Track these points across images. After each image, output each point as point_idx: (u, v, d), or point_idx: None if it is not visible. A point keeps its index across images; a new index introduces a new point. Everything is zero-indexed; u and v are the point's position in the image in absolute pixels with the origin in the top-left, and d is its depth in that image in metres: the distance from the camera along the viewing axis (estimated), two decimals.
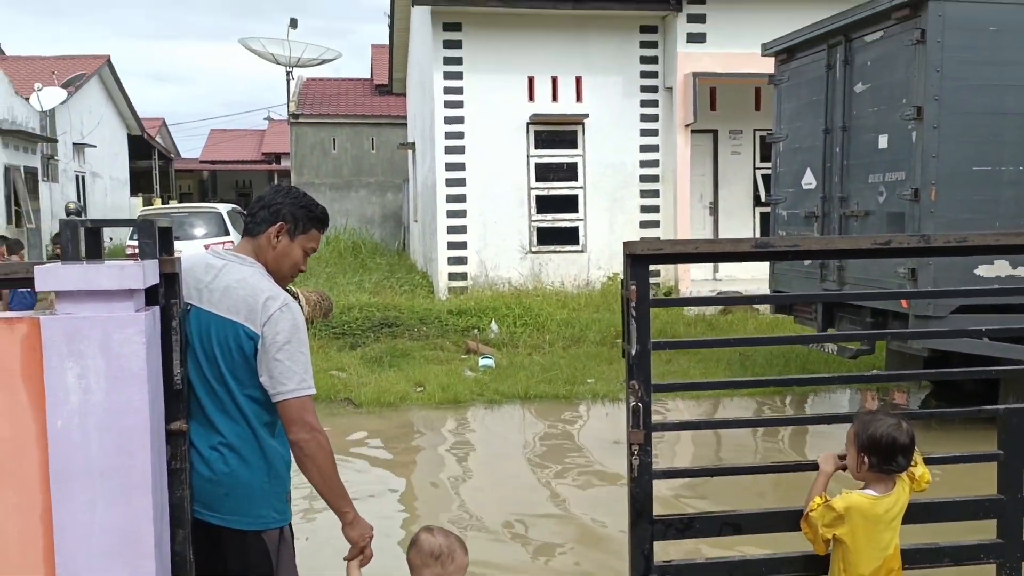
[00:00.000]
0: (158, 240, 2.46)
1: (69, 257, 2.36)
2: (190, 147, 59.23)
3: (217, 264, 2.79)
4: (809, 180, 8.12)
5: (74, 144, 26.58)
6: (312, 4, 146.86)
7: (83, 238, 2.47)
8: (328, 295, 11.25)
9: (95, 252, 2.49)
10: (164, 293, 2.48)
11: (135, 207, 34.65)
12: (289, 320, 2.66)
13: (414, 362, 9.48)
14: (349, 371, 9.09)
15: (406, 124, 23.93)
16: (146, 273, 2.31)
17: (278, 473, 2.70)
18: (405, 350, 9.86)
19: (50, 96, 22.91)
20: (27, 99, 22.26)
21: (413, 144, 19.14)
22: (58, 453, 2.20)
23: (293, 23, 24.58)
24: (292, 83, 25.38)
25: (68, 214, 20.38)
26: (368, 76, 30.60)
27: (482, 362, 9.54)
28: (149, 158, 37.49)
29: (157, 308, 2.42)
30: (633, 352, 2.71)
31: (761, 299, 9.26)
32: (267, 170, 49.32)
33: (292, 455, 2.69)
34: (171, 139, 46.34)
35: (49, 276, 2.25)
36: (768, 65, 9.26)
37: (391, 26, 19.64)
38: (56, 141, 24.07)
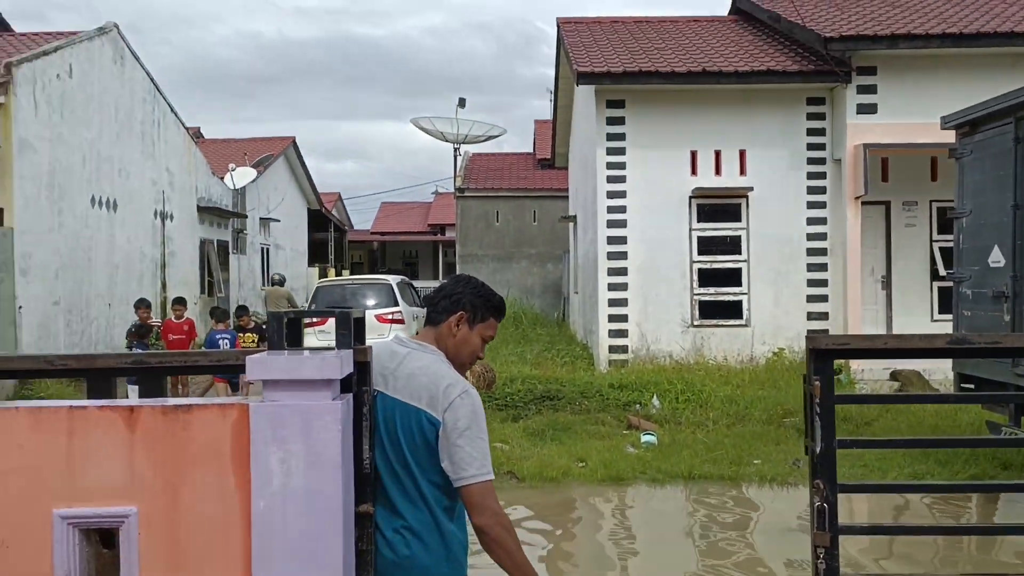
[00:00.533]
0: (353, 331, 2.64)
1: (274, 346, 2.57)
2: (362, 219, 62.60)
3: (401, 352, 2.93)
4: (997, 258, 7.67)
5: (260, 219, 28.65)
6: (478, 80, 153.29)
7: (286, 327, 2.69)
8: (491, 367, 11.50)
9: (295, 341, 2.69)
10: (356, 381, 2.64)
11: (312, 276, 36.75)
12: (469, 406, 2.77)
13: (575, 436, 9.49)
14: (511, 443, 9.21)
15: (567, 197, 24.38)
16: (343, 363, 2.48)
17: (456, 557, 2.78)
18: (566, 424, 9.89)
19: (242, 176, 24.88)
20: (222, 178, 24.27)
21: (574, 217, 19.43)
22: (260, 534, 2.37)
23: (461, 102, 25.73)
24: (459, 159, 26.43)
25: (273, 283, 21.93)
26: (531, 150, 31.53)
27: (644, 438, 9.43)
28: (326, 230, 39.83)
29: (350, 396, 2.59)
30: (818, 450, 2.65)
31: (960, 398, 8.50)
32: (432, 240, 51.24)
33: (478, 540, 2.75)
34: (345, 212, 49.05)
35: (258, 366, 2.45)
36: (945, 135, 8.89)
37: (554, 103, 20.20)
38: (246, 217, 26.03)
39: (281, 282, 20.96)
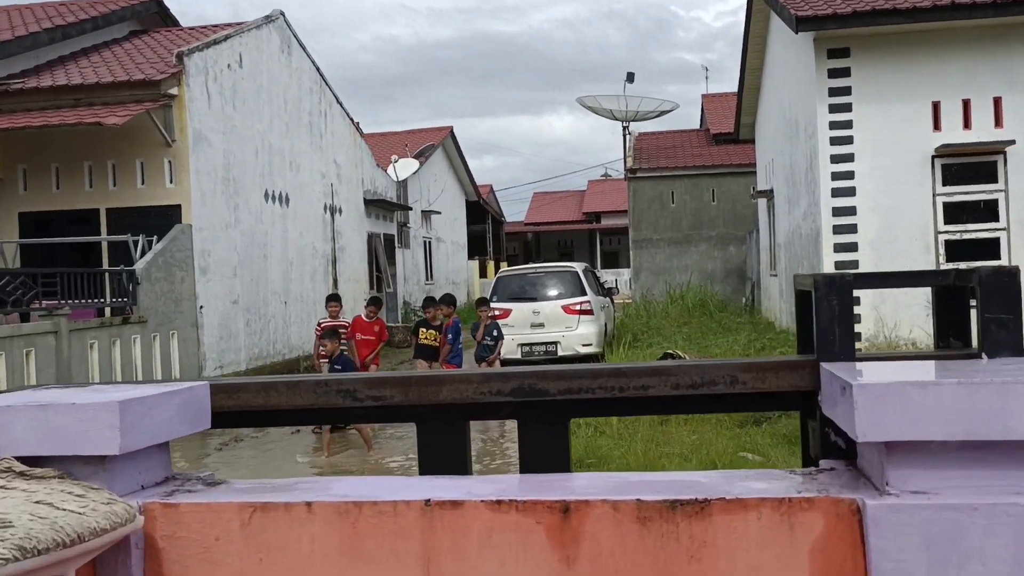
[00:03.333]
0: None
1: None
2: (512, 211, 62.22)
3: None
4: None
5: (422, 211, 28.07)
6: (611, 70, 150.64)
7: None
8: None
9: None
10: None
11: (472, 270, 36.13)
12: None
13: None
14: (766, 454, 7.65)
15: (750, 172, 22.38)
16: None
17: None
18: None
19: (405, 167, 24.26)
20: (385, 170, 23.70)
21: (770, 191, 17.53)
22: None
23: (630, 77, 24.19)
24: (627, 139, 24.88)
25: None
26: (698, 127, 29.59)
27: None
28: (483, 222, 39.16)
29: None
30: None
31: None
32: (588, 229, 49.94)
33: None
34: (498, 204, 48.36)
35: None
36: None
37: (742, 69, 18.33)
38: (411, 209, 25.45)
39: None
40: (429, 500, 1.13)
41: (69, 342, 10.39)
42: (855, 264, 11.87)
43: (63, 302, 10.69)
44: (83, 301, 11.33)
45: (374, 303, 11.26)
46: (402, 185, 24.80)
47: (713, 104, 27.58)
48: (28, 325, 10.12)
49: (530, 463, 1.54)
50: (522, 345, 13.80)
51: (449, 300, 11.23)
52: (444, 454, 1.48)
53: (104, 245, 13.38)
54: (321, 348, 10.37)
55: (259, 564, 1.09)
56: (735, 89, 26.36)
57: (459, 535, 1.12)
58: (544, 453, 1.54)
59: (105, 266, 12.92)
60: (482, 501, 1.14)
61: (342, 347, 10.37)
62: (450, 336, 10.60)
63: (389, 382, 1.47)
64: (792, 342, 13.44)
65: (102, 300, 11.77)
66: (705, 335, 15.25)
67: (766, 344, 13.48)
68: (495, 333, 11.01)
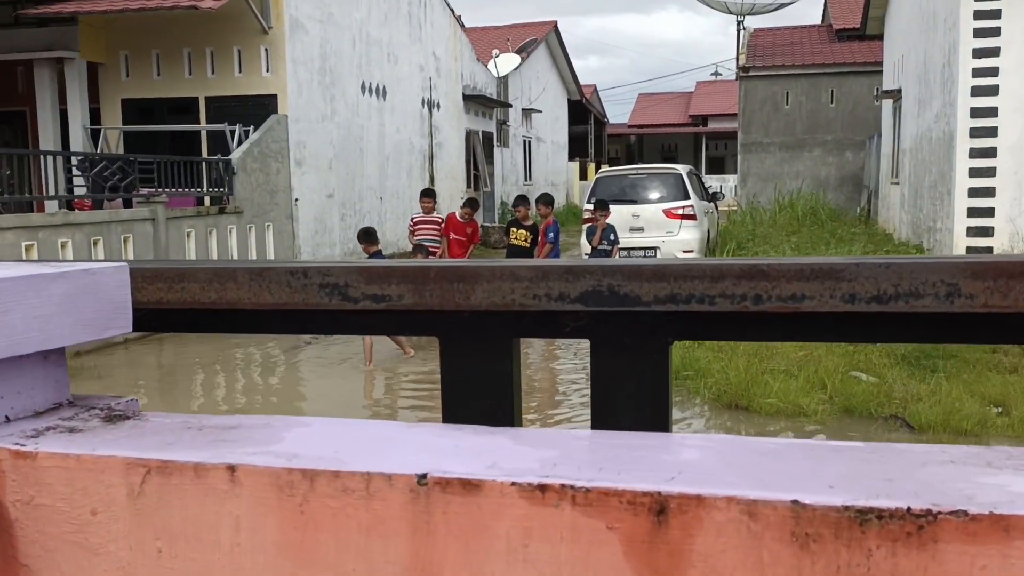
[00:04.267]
0: None
1: None
2: (615, 113, 60.50)
3: None
4: None
5: (523, 110, 27.32)
6: None
7: None
8: None
9: None
10: None
11: (572, 171, 35.35)
12: None
13: (968, 367, 7.14)
14: (881, 374, 7.04)
15: (874, 72, 20.76)
16: None
17: None
18: (949, 350, 7.53)
19: (506, 62, 23.48)
20: (485, 65, 22.99)
21: (898, 91, 16.16)
22: None
23: None
24: (741, 34, 23.38)
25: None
26: (818, 23, 27.61)
27: None
28: (585, 123, 38.09)
29: None
30: None
31: None
32: (693, 132, 48.18)
33: None
34: (601, 105, 46.94)
35: None
36: None
37: None
38: (511, 106, 24.77)
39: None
40: (426, 476, 0.67)
41: (167, 229, 10.41)
42: (992, 171, 10.80)
43: (160, 190, 10.68)
44: (181, 189, 11.32)
45: (470, 204, 10.88)
46: (502, 81, 24.08)
47: None
48: (126, 211, 10.16)
49: (605, 413, 1.02)
50: (619, 249, 13.26)
51: (547, 200, 10.73)
52: (477, 390, 1.02)
53: (203, 134, 13.33)
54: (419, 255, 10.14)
55: (157, 558, 0.69)
56: None
57: (472, 540, 0.64)
58: (629, 396, 1.03)
59: (204, 155, 12.89)
60: (514, 484, 0.65)
61: (430, 247, 10.07)
62: (551, 235, 10.16)
63: (397, 273, 1.00)
64: (915, 254, 12.52)
65: (200, 189, 11.75)
66: (816, 245, 14.36)
67: (884, 255, 12.57)
68: (612, 237, 10.45)
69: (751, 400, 6.68)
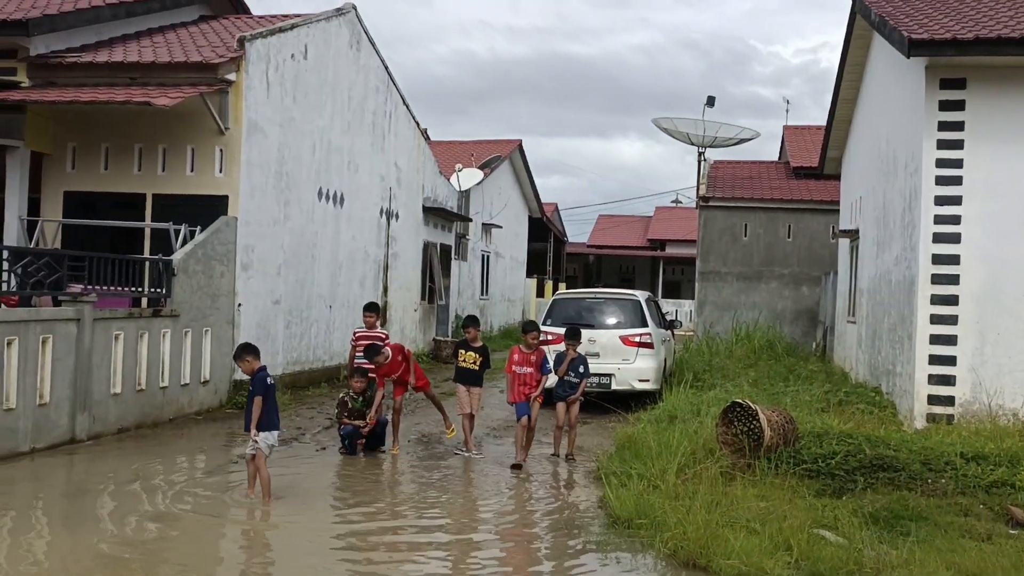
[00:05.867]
0: None
1: None
2: (574, 232, 61.12)
3: None
4: None
5: (483, 224, 27.25)
6: (684, 99, 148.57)
7: None
8: (791, 415, 8.82)
9: None
10: None
11: (529, 288, 35.19)
12: None
13: (939, 532, 6.65)
14: (850, 535, 6.52)
15: (832, 211, 21.07)
16: None
17: None
18: (917, 510, 7.06)
19: (468, 177, 23.48)
20: (448, 179, 22.94)
21: (855, 231, 16.25)
22: None
23: (710, 101, 23.08)
24: (702, 165, 23.73)
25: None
26: (776, 159, 28.27)
27: None
28: (544, 240, 38.23)
29: None
30: None
31: None
32: (651, 256, 48.70)
33: None
34: (561, 223, 47.45)
35: None
36: None
37: (834, 98, 17.12)
38: (471, 220, 24.65)
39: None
40: None
41: (92, 332, 9.72)
42: (954, 319, 10.62)
43: (90, 288, 10.02)
44: (115, 288, 10.67)
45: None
46: (464, 195, 24.03)
47: (795, 136, 26.28)
48: (47, 310, 9.46)
49: None
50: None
51: (532, 327, 10.08)
52: None
53: (147, 231, 12.77)
54: (356, 381, 9.59)
55: None
56: (814, 124, 25.13)
57: None
58: None
59: (147, 254, 12.30)
60: None
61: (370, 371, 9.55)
62: (547, 366, 9.60)
63: None
64: (873, 397, 12.21)
65: (138, 289, 11.11)
66: (774, 381, 14.04)
67: (843, 398, 12.24)
68: (580, 369, 9.87)
69: (710, 559, 6.10)
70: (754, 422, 8.47)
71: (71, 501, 7.58)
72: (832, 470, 7.91)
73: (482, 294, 27.89)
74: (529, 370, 9.44)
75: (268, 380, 7.53)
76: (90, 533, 6.52)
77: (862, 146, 16.30)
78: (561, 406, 9.86)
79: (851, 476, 7.81)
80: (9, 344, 8.61)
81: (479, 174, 24.10)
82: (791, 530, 6.46)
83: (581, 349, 10.23)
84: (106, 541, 6.36)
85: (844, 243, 17.81)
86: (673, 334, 16.26)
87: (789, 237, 22.57)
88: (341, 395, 9.84)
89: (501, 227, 28.94)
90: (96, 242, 12.61)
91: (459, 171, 23.26)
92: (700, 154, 23.34)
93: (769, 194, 22.94)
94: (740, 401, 8.87)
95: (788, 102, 57.80)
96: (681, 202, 43.78)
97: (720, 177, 24.02)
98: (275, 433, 7.55)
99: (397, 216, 18.98)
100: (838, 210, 19.67)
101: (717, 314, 22.69)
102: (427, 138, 21.49)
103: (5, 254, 10.52)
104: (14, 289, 10.30)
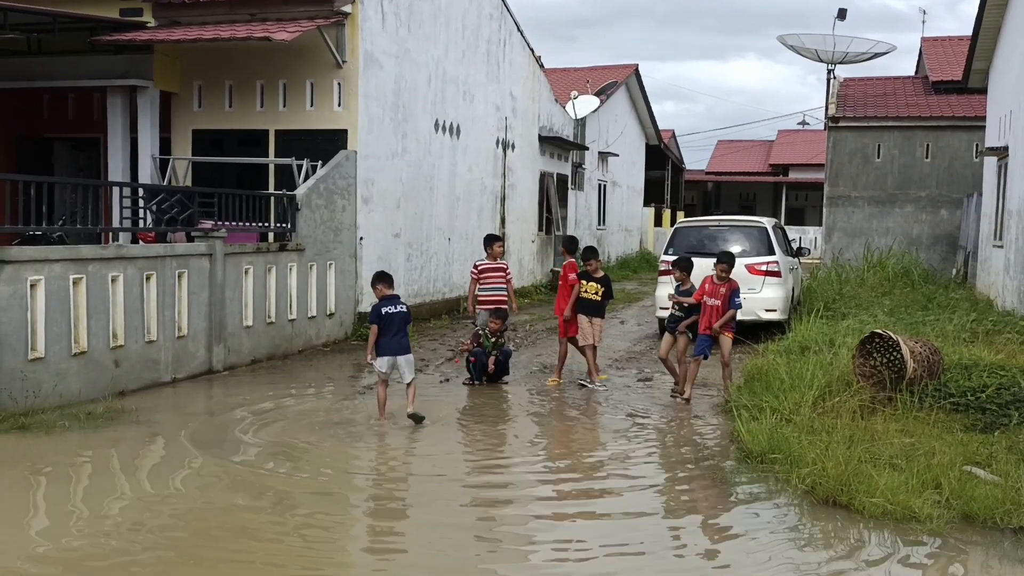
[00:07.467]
0: None
1: None
2: (691, 160, 59.33)
3: None
4: None
5: (599, 153, 26.73)
6: (803, 15, 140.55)
7: None
8: (936, 346, 8.30)
9: None
10: None
11: (647, 217, 34.55)
12: None
13: None
14: (1001, 472, 6.09)
15: (975, 127, 19.62)
16: None
17: None
18: None
19: (584, 104, 22.96)
20: (563, 107, 22.50)
21: (1004, 148, 15.06)
22: None
23: (841, 14, 21.72)
24: (831, 83, 22.43)
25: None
26: (912, 75, 26.45)
27: None
28: (662, 168, 37.30)
29: None
30: None
31: None
32: (773, 181, 47.00)
33: None
34: (679, 150, 46.19)
35: None
36: None
37: (982, 3, 15.75)
38: (587, 149, 24.21)
39: None
40: None
41: (224, 266, 10.01)
42: None
43: (220, 224, 10.30)
44: (244, 224, 10.94)
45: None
46: (580, 123, 23.54)
47: (935, 48, 24.46)
48: (181, 246, 9.77)
49: None
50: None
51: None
52: None
53: (271, 167, 13.02)
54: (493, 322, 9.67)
55: None
56: (955, 35, 23.30)
57: None
58: None
59: (271, 189, 12.55)
60: None
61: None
62: (736, 300, 9.12)
63: None
64: (1022, 326, 11.38)
65: (264, 224, 11.37)
66: (912, 310, 13.29)
67: (991, 328, 11.47)
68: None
69: (852, 497, 5.80)
70: (895, 353, 8.01)
71: (217, 428, 7.86)
72: (983, 404, 7.41)
73: (599, 224, 27.52)
74: (717, 302, 9.07)
75: (383, 310, 7.65)
76: (230, 452, 6.76)
77: (1014, 55, 14.98)
78: (668, 338, 9.54)
79: (1004, 411, 7.30)
80: (148, 279, 8.96)
81: (595, 101, 23.52)
82: (939, 467, 6.08)
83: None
84: (248, 465, 6.59)
85: (991, 162, 16.57)
86: (800, 262, 15.61)
87: (927, 157, 21.19)
88: (476, 329, 9.89)
89: (618, 155, 28.33)
90: (224, 179, 12.95)
91: (575, 99, 22.75)
92: (829, 72, 22.04)
93: (905, 111, 21.53)
94: (880, 331, 8.39)
95: (925, 13, 53.91)
96: (808, 124, 41.73)
97: (851, 95, 22.68)
98: (385, 359, 7.71)
99: (513, 146, 18.77)
100: (983, 126, 18.27)
101: (847, 241, 21.68)
102: (542, 66, 21.03)
103: (141, 192, 10.93)
104: (150, 225, 10.71)
